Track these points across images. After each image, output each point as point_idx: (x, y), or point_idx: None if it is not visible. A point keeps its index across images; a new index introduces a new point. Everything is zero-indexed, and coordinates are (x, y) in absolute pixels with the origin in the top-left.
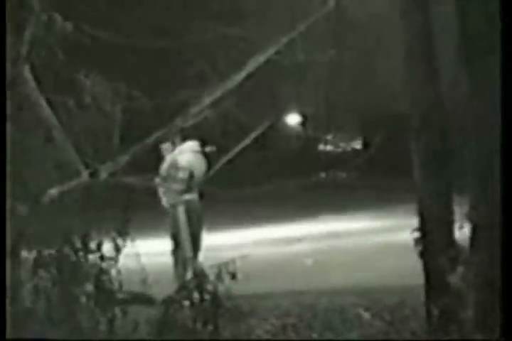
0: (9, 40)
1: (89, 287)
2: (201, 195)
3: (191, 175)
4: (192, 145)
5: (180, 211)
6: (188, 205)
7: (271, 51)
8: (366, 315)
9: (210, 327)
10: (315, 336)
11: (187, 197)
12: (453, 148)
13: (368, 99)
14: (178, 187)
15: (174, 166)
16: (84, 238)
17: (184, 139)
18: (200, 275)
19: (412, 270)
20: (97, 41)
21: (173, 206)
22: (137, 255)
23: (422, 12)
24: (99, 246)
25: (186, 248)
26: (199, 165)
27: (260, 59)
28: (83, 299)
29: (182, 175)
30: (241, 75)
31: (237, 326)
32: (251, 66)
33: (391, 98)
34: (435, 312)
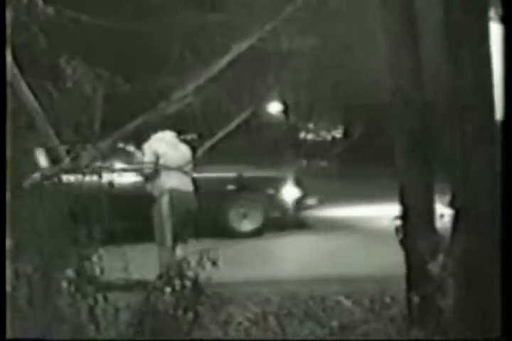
0: None
1: (71, 273)
2: (196, 188)
3: (157, 157)
4: (161, 134)
5: (165, 200)
6: (174, 195)
7: (254, 38)
8: (347, 303)
9: (190, 314)
10: (296, 323)
11: (173, 185)
12: (435, 137)
13: (351, 88)
14: (146, 170)
15: (141, 154)
16: None
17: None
18: (181, 262)
19: (392, 258)
20: (78, 25)
21: (161, 194)
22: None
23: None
24: None
25: (167, 237)
26: (168, 150)
27: (243, 46)
28: (64, 284)
29: (147, 158)
30: (224, 62)
31: (218, 313)
32: (234, 52)
33: (374, 87)
34: (415, 300)
